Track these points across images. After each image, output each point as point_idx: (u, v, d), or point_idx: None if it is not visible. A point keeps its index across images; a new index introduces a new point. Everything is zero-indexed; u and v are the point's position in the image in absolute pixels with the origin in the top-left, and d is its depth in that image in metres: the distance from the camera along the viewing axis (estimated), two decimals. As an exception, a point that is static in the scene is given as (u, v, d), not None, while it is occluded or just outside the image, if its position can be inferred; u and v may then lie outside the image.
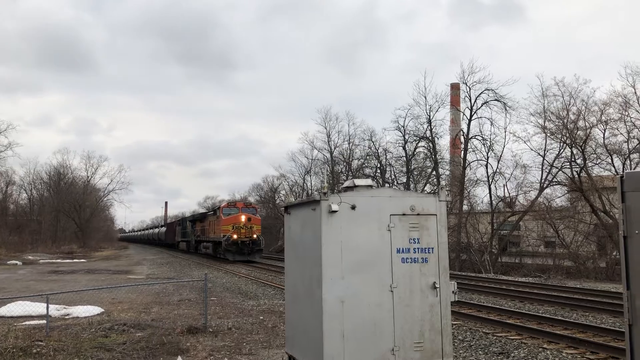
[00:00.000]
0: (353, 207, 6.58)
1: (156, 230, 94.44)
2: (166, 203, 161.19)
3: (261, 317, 13.58)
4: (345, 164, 56.27)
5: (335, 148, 57.95)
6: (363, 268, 6.49)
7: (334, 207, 6.45)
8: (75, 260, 43.81)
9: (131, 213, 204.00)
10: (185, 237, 58.29)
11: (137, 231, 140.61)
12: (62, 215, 72.08)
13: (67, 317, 13.86)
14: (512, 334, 11.38)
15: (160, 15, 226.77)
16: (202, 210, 75.01)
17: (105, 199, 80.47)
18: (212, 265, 35.65)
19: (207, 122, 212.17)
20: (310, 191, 59.92)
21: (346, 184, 7.57)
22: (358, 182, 7.29)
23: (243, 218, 39.70)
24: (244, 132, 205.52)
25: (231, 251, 39.03)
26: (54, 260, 43.22)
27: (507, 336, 11.19)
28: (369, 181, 7.41)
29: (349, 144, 56.43)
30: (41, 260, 42.73)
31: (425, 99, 45.73)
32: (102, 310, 14.75)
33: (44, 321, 11.62)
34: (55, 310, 13.91)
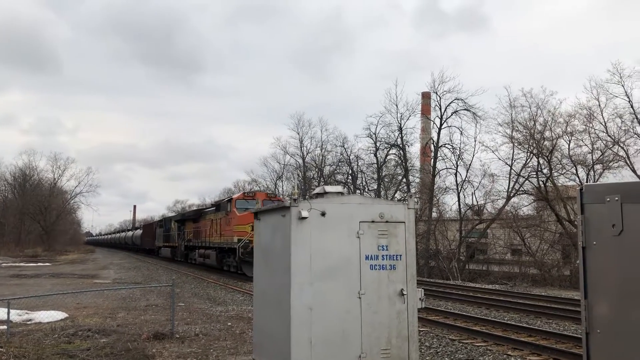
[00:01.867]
0: (323, 214, 6.61)
1: (129, 233, 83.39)
2: (135, 207, 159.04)
3: (229, 323, 13.48)
4: (317, 169, 56.38)
5: (307, 154, 58.01)
6: (332, 275, 6.51)
7: (304, 213, 6.47)
8: (39, 264, 42.75)
9: (99, 216, 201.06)
10: (170, 242, 47.41)
11: (105, 235, 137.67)
12: (27, 218, 70.34)
13: (29, 322, 13.53)
14: (478, 341, 11.53)
15: (126, 15, 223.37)
16: (172, 214, 72.42)
17: (72, 201, 78.86)
18: (180, 271, 35.22)
19: (174, 124, 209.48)
20: (282, 197, 59.72)
21: (316, 190, 7.61)
22: (328, 189, 7.33)
23: None
24: (213, 135, 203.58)
25: (251, 262, 27.26)
26: (17, 264, 42.10)
27: (473, 343, 11.34)
28: (339, 188, 7.46)
29: (321, 150, 56.58)
30: (3, 264, 41.57)
31: (397, 107, 46.35)
32: (66, 315, 14.43)
33: (5, 327, 11.31)
34: (16, 315, 13.55)
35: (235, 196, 30.36)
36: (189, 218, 41.16)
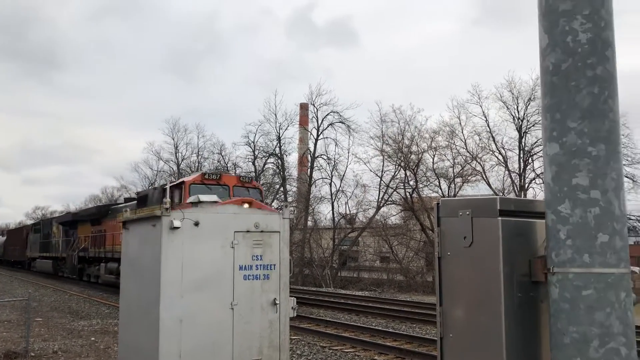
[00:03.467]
0: (196, 224, 6.51)
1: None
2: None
3: (93, 338, 12.70)
4: (192, 177, 55.04)
5: (182, 160, 56.44)
6: (204, 286, 6.43)
7: (176, 223, 6.32)
8: None
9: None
10: (51, 252, 36.18)
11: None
12: None
13: None
14: (347, 347, 11.93)
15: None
16: (32, 221, 63.75)
17: None
18: (39, 283, 32.54)
19: (31, 124, 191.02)
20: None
21: (191, 199, 7.45)
22: (203, 197, 7.22)
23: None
24: (76, 137, 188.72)
25: None
26: None
27: (342, 349, 11.70)
28: (214, 197, 7.38)
29: (197, 156, 55.34)
30: None
31: (276, 116, 46.65)
32: None
33: None
34: None
35: (189, 179, 19.23)
36: (84, 218, 30.05)
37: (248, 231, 6.81)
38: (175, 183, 19.66)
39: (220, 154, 52.39)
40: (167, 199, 6.81)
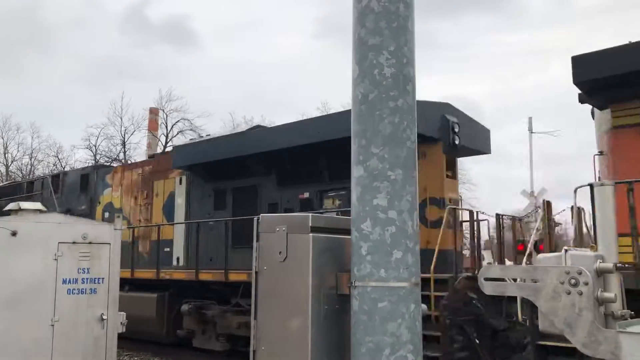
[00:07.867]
0: (14, 234, 6.05)
1: None
2: None
3: None
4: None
5: (13, 162, 51.25)
6: (20, 301, 6.00)
7: (-11, 233, 5.78)
8: None
9: None
10: None
11: None
12: None
13: None
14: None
15: None
16: None
17: None
18: None
19: None
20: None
21: (10, 206, 6.89)
22: (24, 205, 6.73)
23: None
24: None
25: None
26: None
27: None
28: (38, 205, 6.92)
29: (30, 158, 50.60)
30: None
31: (122, 120, 44.39)
32: None
33: None
34: None
35: None
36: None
37: (74, 242, 6.48)
38: None
39: (57, 156, 48.49)
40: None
